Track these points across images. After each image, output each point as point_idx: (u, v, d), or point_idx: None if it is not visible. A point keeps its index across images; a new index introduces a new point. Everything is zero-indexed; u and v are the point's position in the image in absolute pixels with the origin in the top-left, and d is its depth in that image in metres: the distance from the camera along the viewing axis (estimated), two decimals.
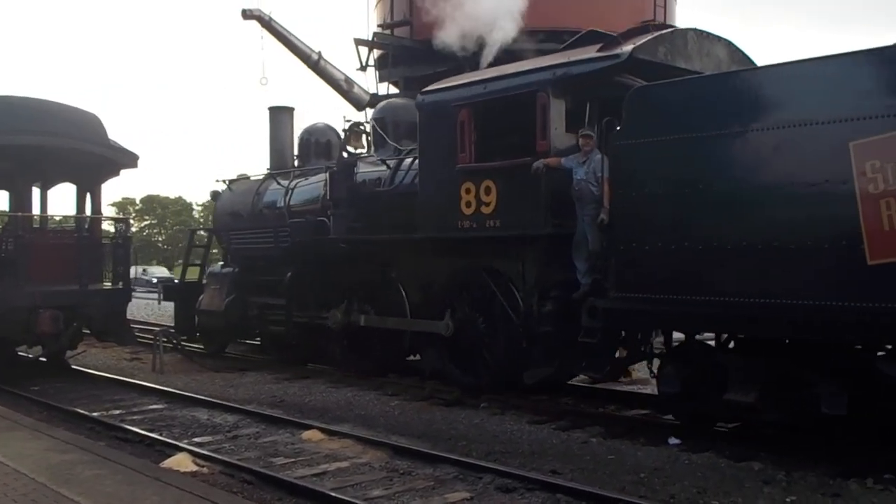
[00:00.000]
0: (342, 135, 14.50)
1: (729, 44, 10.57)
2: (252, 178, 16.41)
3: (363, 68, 18.53)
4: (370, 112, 17.39)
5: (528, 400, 10.80)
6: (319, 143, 15.61)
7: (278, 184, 15.13)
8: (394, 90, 20.01)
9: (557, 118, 10.18)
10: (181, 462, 7.86)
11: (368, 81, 19.38)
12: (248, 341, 17.01)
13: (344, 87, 18.18)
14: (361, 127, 14.60)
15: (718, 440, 8.68)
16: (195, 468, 7.75)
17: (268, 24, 17.28)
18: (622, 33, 10.10)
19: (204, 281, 16.58)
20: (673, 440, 8.81)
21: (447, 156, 11.12)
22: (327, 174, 13.37)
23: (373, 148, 13.97)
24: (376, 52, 18.92)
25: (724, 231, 8.04)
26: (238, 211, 15.84)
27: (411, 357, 13.33)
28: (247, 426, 9.80)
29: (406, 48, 18.26)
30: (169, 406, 11.12)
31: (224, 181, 16.98)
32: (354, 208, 12.92)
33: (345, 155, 13.89)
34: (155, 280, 50.69)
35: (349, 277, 13.19)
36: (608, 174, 9.01)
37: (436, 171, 11.40)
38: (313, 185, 14.29)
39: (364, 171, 13.33)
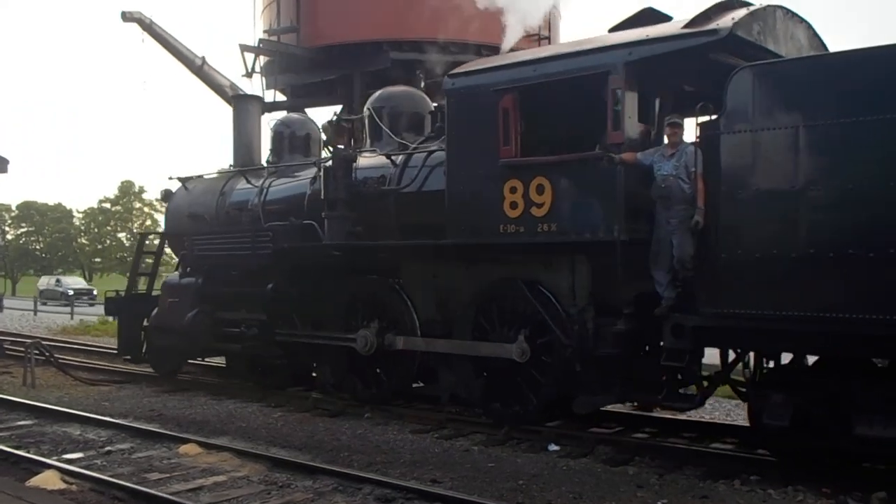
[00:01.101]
0: (325, 129, 13.26)
1: (809, 27, 9.34)
2: (214, 176, 14.53)
3: (249, 75, 18.26)
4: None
5: (412, 409, 10.81)
6: (296, 136, 13.83)
7: (248, 182, 13.32)
8: (281, 97, 19.82)
9: (631, 105, 8.71)
10: (48, 480, 7.53)
11: (255, 88, 19.13)
12: (200, 361, 14.88)
13: (228, 94, 17.85)
14: (347, 122, 13.33)
15: (596, 446, 8.86)
16: (63, 486, 7.44)
17: (149, 27, 16.84)
18: (708, 9, 8.58)
19: (158, 293, 14.47)
20: (552, 447, 8.97)
21: (485, 149, 9.47)
22: (320, 171, 11.64)
23: (367, 142, 12.34)
24: (263, 59, 18.67)
25: (862, 236, 6.98)
26: (198, 213, 13.85)
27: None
28: (121, 441, 9.46)
29: (293, 55, 18.08)
30: (39, 422, 10.63)
31: (178, 178, 15.00)
32: (354, 210, 11.18)
33: (326, 152, 12.70)
34: (71, 292, 46.23)
35: (344, 290, 11.62)
36: (702, 169, 7.88)
37: (470, 166, 9.70)
38: (295, 184, 12.58)
39: (364, 167, 11.49)
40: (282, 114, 15.60)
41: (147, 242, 16.32)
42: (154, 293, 14.84)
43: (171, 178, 15.53)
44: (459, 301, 10.22)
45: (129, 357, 14.55)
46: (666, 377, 8.49)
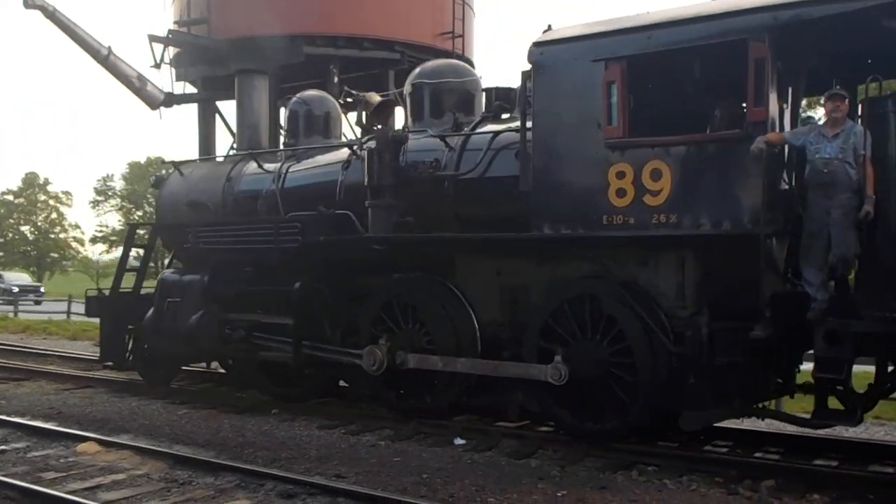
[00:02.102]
0: (362, 105, 11.77)
1: None
2: (217, 160, 13.25)
3: (157, 66, 17.86)
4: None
5: (319, 404, 10.78)
6: (315, 115, 12.23)
7: (261, 167, 11.91)
8: (191, 89, 19.47)
9: (774, 78, 7.56)
10: None
11: (164, 80, 18.75)
12: (193, 367, 13.60)
13: (136, 85, 17.41)
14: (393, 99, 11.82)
15: (501, 439, 8.98)
16: None
17: (52, 15, 16.29)
18: None
19: (153, 291, 12.78)
20: (458, 440, 9.04)
21: (583, 128, 8.33)
22: (355, 154, 10.55)
23: (409, 121, 10.88)
24: (172, 50, 18.30)
25: None
26: (200, 200, 12.27)
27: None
28: (16, 440, 9.18)
29: (204, 47, 17.76)
30: None
31: (171, 163, 13.55)
32: (403, 198, 9.88)
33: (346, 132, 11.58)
34: (16, 289, 43.38)
35: (383, 289, 10.18)
36: (870, 152, 7.07)
37: (563, 148, 8.50)
38: (322, 169, 11.17)
39: (413, 150, 10.13)
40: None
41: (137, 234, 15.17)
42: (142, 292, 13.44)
43: (164, 163, 14.12)
44: (530, 301, 9.05)
45: (110, 364, 13.14)
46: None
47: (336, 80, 17.65)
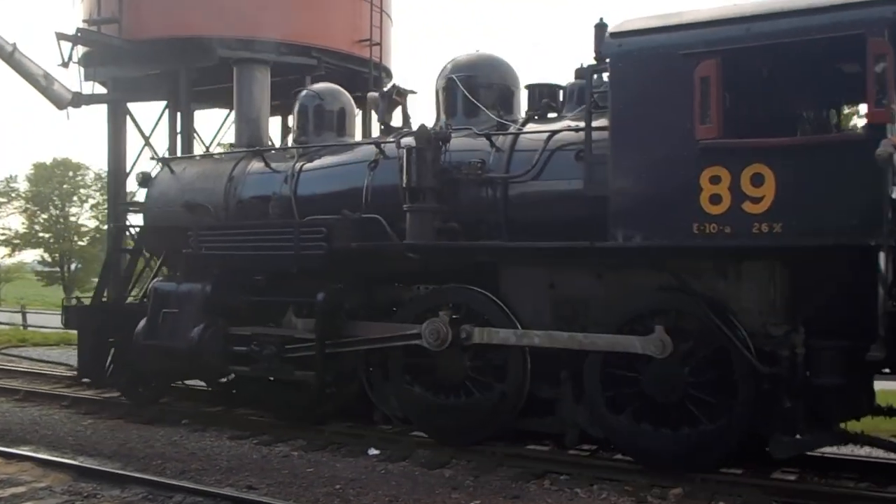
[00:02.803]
0: (374, 102, 10.86)
1: None
2: (213, 157, 12.21)
3: (65, 65, 17.31)
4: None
5: (230, 414, 10.62)
6: (328, 111, 11.24)
7: (268, 166, 10.95)
8: (101, 90, 18.95)
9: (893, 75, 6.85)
10: None
11: (72, 79, 18.18)
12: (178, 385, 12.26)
13: (42, 84, 16.81)
14: (400, 95, 10.82)
15: (415, 449, 8.96)
16: None
17: None
18: None
19: (139, 301, 12.08)
20: (372, 451, 9.00)
21: (670, 128, 7.64)
22: (382, 153, 9.73)
23: (441, 118, 10.04)
24: (81, 49, 17.77)
25: None
26: (197, 201, 11.14)
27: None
28: None
29: (114, 47, 17.31)
30: None
31: (159, 160, 12.57)
32: (446, 202, 9.04)
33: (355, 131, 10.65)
34: None
35: (417, 302, 9.45)
36: None
37: (645, 150, 7.78)
38: (343, 169, 10.29)
39: (455, 149, 9.31)
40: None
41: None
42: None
43: (153, 159, 12.90)
44: (589, 317, 8.38)
45: (87, 380, 12.22)
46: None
47: None
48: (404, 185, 9.02)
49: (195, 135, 19.53)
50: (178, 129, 18.41)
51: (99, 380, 12.02)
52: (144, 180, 12.29)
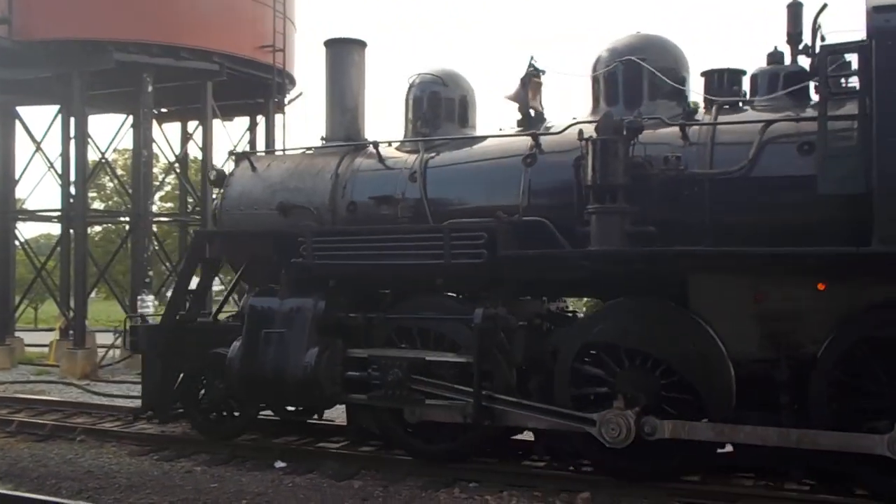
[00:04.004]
0: (517, 91, 9.31)
1: None
2: (305, 152, 10.49)
3: None
4: None
5: (128, 429, 10.29)
6: (444, 98, 9.78)
7: (382, 162, 9.52)
8: None
9: None
10: None
11: None
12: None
13: None
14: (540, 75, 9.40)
15: (323, 461, 8.84)
16: None
17: None
18: None
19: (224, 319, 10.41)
20: (279, 464, 8.84)
21: None
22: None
23: (600, 105, 8.76)
24: None
25: None
26: (294, 202, 9.73)
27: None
28: None
29: (3, 48, 16.66)
30: None
31: (235, 155, 11.10)
32: (638, 202, 7.75)
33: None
34: None
35: (596, 321, 8.21)
36: None
37: None
38: (487, 165, 8.93)
39: (645, 142, 7.96)
40: None
41: None
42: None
43: (231, 154, 11.42)
44: (808, 335, 7.25)
45: (151, 413, 10.43)
46: None
47: (150, 89, 17.02)
48: (588, 183, 7.83)
49: (90, 140, 18.96)
50: (72, 135, 17.89)
51: (164, 415, 10.26)
52: (219, 178, 10.62)
